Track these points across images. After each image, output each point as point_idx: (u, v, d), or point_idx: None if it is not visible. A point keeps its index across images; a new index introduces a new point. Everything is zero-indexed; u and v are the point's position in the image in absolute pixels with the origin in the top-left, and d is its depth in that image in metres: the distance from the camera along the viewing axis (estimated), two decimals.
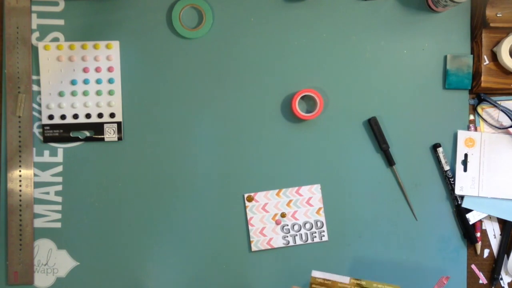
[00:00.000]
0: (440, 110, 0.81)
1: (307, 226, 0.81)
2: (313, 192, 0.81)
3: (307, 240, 0.81)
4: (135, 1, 0.81)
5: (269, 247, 0.81)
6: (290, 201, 0.81)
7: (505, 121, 0.80)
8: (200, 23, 0.81)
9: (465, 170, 0.80)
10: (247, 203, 0.81)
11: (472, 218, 0.80)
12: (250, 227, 0.81)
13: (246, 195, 0.81)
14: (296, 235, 0.81)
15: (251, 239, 0.81)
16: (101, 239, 0.81)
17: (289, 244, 0.81)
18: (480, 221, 0.81)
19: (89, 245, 0.81)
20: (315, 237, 0.81)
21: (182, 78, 0.81)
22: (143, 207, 0.81)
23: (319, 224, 0.81)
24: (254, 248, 0.81)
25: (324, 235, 0.81)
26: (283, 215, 0.81)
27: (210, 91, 0.81)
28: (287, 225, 0.81)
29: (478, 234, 0.80)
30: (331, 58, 0.81)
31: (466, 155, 0.80)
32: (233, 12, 0.82)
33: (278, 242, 0.81)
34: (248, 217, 0.81)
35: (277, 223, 0.81)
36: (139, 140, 0.81)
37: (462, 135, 0.80)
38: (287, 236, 0.81)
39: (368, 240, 0.81)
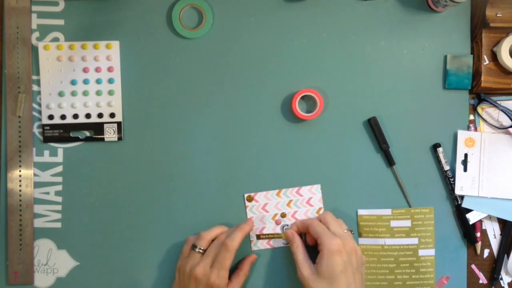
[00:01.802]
0: (440, 110, 0.81)
1: None
2: (313, 192, 0.81)
3: None
4: (135, 1, 0.81)
5: (269, 247, 0.81)
6: (290, 201, 0.81)
7: (505, 121, 0.80)
8: (200, 23, 0.81)
9: (465, 170, 0.80)
10: (247, 203, 0.81)
11: (472, 218, 0.80)
12: None
13: (246, 195, 0.81)
14: None
15: (251, 239, 0.81)
16: (101, 239, 0.81)
17: (289, 244, 0.81)
18: (480, 221, 0.81)
19: (89, 245, 0.81)
20: None
21: (182, 78, 0.81)
22: (143, 207, 0.81)
23: None
24: (254, 248, 0.81)
25: None
26: (283, 215, 0.81)
27: (210, 91, 0.81)
28: (287, 225, 0.81)
29: (478, 234, 0.80)
30: (331, 58, 0.81)
31: (466, 155, 0.80)
32: (233, 12, 0.82)
33: (278, 242, 0.81)
34: (248, 217, 0.81)
35: (277, 223, 0.81)
36: (139, 140, 0.81)
37: (462, 135, 0.80)
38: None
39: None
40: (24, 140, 0.80)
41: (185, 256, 0.76)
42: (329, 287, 0.69)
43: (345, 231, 0.75)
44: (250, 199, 0.81)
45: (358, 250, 0.73)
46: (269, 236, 0.80)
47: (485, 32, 0.79)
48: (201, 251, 0.75)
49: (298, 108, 0.79)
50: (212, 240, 0.76)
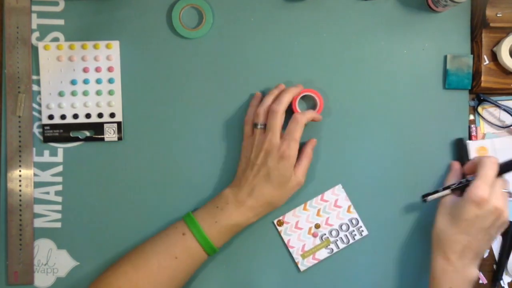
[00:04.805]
0: (440, 110, 0.81)
1: (344, 227, 0.80)
2: (336, 194, 0.80)
3: (348, 241, 0.80)
4: (135, 1, 0.81)
5: (316, 261, 0.80)
6: (319, 210, 0.80)
7: (508, 119, 0.80)
8: (200, 23, 0.81)
9: None
10: (279, 228, 0.80)
11: None
12: (290, 249, 0.80)
13: (276, 221, 0.80)
14: (337, 240, 0.80)
15: (296, 260, 0.80)
16: (101, 239, 0.81)
17: (334, 252, 0.80)
18: None
19: (89, 245, 0.81)
20: (355, 235, 0.80)
21: (182, 78, 0.81)
22: (143, 207, 0.81)
23: (354, 221, 0.80)
24: (302, 268, 0.80)
25: (363, 230, 0.80)
26: (317, 226, 0.80)
27: (210, 91, 0.81)
28: (325, 234, 0.80)
29: None
30: (331, 58, 0.81)
31: None
32: (233, 12, 0.82)
33: (322, 253, 0.80)
34: (285, 240, 0.80)
35: (314, 235, 0.80)
36: (139, 140, 0.81)
37: (472, 145, 0.80)
38: (329, 245, 0.80)
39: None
40: (24, 140, 0.80)
41: (249, 136, 0.77)
42: (448, 226, 0.71)
43: (504, 190, 0.72)
44: (280, 223, 0.80)
45: (504, 214, 0.70)
46: (313, 251, 0.80)
47: (485, 32, 0.79)
48: (262, 127, 0.76)
49: (298, 108, 0.79)
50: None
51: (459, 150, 0.80)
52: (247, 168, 0.75)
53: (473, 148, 0.80)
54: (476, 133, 0.81)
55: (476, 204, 0.69)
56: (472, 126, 0.81)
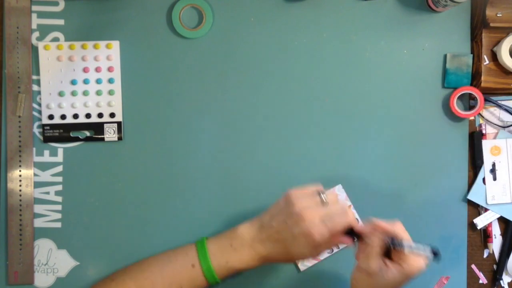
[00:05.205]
0: (440, 110, 0.81)
1: None
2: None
3: None
4: (135, 1, 0.81)
5: (316, 261, 0.80)
6: None
7: (508, 119, 0.80)
8: (200, 23, 0.81)
9: (494, 179, 0.80)
10: None
11: (480, 223, 0.80)
12: None
13: None
14: None
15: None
16: (101, 239, 0.81)
17: (334, 252, 0.80)
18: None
19: (89, 245, 0.81)
20: None
21: (182, 78, 0.81)
22: (143, 207, 0.81)
23: None
24: (302, 268, 0.80)
25: None
26: None
27: (210, 91, 0.81)
28: None
29: (492, 237, 0.81)
30: (331, 58, 0.81)
31: (494, 164, 0.80)
32: (233, 12, 0.82)
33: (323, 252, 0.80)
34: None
35: None
36: (139, 140, 0.81)
37: (486, 144, 0.80)
38: None
39: None
40: (24, 140, 0.80)
41: (304, 192, 0.70)
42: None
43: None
44: None
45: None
46: None
47: (485, 32, 0.79)
48: (323, 199, 0.69)
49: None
50: None
51: (474, 145, 0.80)
52: (276, 215, 0.70)
53: (486, 148, 0.80)
54: (486, 131, 0.81)
55: (413, 277, 0.67)
56: (482, 124, 0.81)
